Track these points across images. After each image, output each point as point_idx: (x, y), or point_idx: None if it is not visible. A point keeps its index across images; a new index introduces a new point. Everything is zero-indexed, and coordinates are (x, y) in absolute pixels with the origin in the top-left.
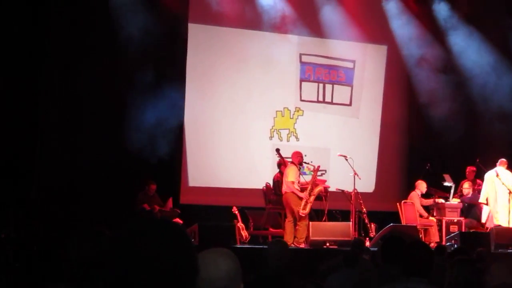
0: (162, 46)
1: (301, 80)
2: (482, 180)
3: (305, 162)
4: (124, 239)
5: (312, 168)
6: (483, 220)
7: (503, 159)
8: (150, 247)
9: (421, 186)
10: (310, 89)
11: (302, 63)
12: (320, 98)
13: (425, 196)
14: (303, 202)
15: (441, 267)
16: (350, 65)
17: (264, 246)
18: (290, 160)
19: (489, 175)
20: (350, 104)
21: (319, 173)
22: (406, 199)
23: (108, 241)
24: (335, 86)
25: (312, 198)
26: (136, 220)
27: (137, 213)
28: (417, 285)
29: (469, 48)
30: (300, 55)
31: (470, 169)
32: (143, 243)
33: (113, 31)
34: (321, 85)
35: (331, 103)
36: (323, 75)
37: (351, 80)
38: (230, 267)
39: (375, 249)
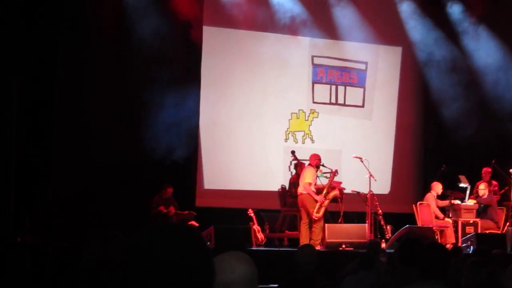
0: (177, 49)
1: (314, 83)
2: (498, 181)
3: (323, 165)
4: (141, 245)
5: (329, 171)
6: None
7: None
8: (167, 252)
9: (437, 187)
10: (323, 91)
11: (314, 65)
12: (333, 100)
13: (441, 197)
14: (317, 205)
15: (457, 268)
16: (362, 66)
17: (280, 249)
18: (306, 162)
19: None
20: (363, 106)
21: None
22: (422, 200)
23: (126, 246)
24: (347, 87)
25: (327, 201)
26: (152, 226)
27: (153, 216)
28: (434, 287)
29: (482, 49)
30: (312, 57)
31: (486, 170)
32: (160, 249)
33: (127, 35)
34: (333, 87)
35: (344, 104)
36: (336, 77)
37: (364, 81)
38: (246, 271)
39: (391, 251)
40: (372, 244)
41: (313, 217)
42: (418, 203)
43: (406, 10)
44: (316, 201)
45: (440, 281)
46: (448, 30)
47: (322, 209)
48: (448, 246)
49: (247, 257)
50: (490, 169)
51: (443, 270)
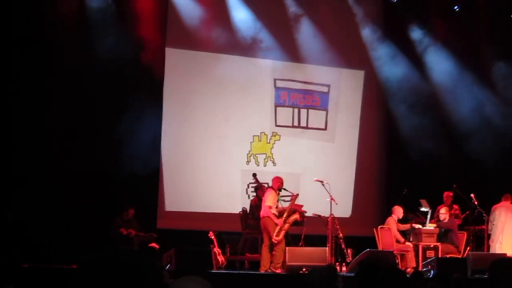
0: (139, 70)
1: (276, 106)
2: (459, 205)
3: (285, 189)
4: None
5: (289, 195)
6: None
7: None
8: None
9: (398, 211)
10: (286, 114)
11: (277, 88)
12: (296, 123)
13: (402, 221)
14: (277, 229)
15: None
16: (325, 89)
17: (241, 271)
18: (267, 185)
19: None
20: (325, 129)
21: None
22: (383, 224)
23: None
24: (310, 110)
25: (287, 225)
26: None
27: (113, 237)
28: None
29: (445, 71)
30: (275, 80)
31: (447, 194)
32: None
33: (90, 55)
34: (296, 110)
35: (307, 127)
36: (298, 99)
37: (326, 104)
38: None
39: (352, 274)
40: (330, 268)
41: (273, 240)
42: (379, 226)
43: (369, 34)
44: (276, 225)
45: None
46: (409, 53)
47: (282, 233)
48: (408, 270)
49: (204, 281)
50: (451, 193)
51: None
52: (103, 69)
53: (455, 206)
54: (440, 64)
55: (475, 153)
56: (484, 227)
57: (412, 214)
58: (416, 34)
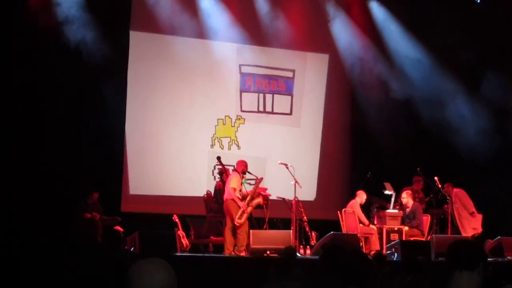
0: (103, 54)
1: (242, 91)
2: (423, 188)
3: (249, 172)
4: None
5: (253, 178)
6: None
7: None
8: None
9: (362, 195)
10: (251, 100)
11: (242, 74)
12: (261, 108)
13: (366, 204)
14: (240, 211)
15: (381, 275)
16: (289, 74)
17: (205, 255)
18: (232, 168)
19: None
20: (290, 113)
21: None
22: (347, 207)
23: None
24: (275, 95)
25: (250, 208)
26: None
27: (77, 221)
28: None
29: (408, 53)
30: (240, 66)
31: (415, 179)
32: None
33: (53, 39)
34: (261, 95)
35: (272, 112)
36: (263, 85)
37: (291, 89)
38: (165, 278)
39: (316, 257)
40: (288, 250)
41: (235, 223)
42: (343, 210)
43: (333, 17)
44: (240, 207)
45: None
46: (373, 36)
47: (245, 216)
48: (372, 253)
49: (166, 264)
50: (421, 178)
51: (363, 277)
52: (66, 53)
53: (419, 190)
54: (401, 44)
55: (440, 136)
56: (447, 210)
57: (376, 198)
58: (380, 15)
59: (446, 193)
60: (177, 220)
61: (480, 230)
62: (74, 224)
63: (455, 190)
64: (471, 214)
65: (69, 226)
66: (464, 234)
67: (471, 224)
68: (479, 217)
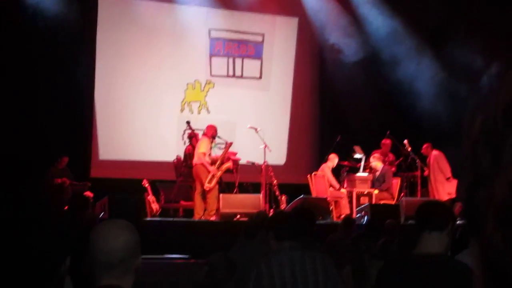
0: (70, 20)
1: (211, 56)
2: (393, 153)
3: (219, 136)
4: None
5: (223, 143)
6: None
7: None
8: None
9: (334, 159)
10: (220, 64)
11: (212, 38)
12: (230, 73)
13: (336, 168)
14: (209, 176)
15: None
16: (259, 38)
17: (175, 219)
18: (202, 132)
19: None
20: (260, 78)
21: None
22: (317, 171)
23: None
24: (244, 60)
25: (219, 173)
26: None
27: (47, 186)
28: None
29: (378, 18)
30: (209, 30)
31: (384, 142)
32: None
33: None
34: (230, 59)
35: (241, 77)
36: (233, 49)
37: (260, 53)
38: (128, 238)
39: None
40: (260, 215)
41: (204, 187)
42: (313, 173)
43: None
44: (209, 172)
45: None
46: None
47: (214, 180)
48: (342, 216)
49: (130, 225)
50: (389, 140)
51: (296, 232)
52: (35, 17)
53: (389, 153)
54: (375, 11)
55: (408, 99)
56: (417, 173)
57: (347, 161)
58: None
59: (424, 154)
60: (147, 185)
61: (454, 195)
62: (43, 189)
63: (434, 152)
64: (447, 179)
65: (36, 190)
66: (438, 199)
67: (446, 189)
68: (454, 182)
